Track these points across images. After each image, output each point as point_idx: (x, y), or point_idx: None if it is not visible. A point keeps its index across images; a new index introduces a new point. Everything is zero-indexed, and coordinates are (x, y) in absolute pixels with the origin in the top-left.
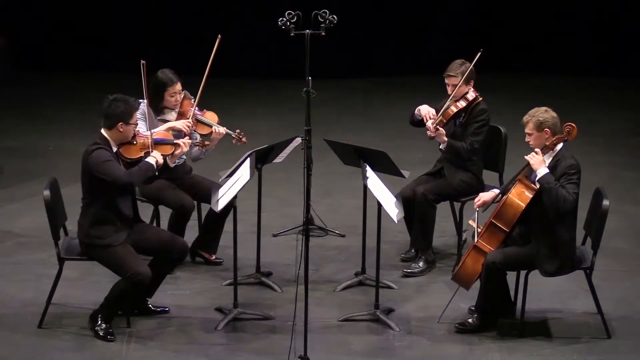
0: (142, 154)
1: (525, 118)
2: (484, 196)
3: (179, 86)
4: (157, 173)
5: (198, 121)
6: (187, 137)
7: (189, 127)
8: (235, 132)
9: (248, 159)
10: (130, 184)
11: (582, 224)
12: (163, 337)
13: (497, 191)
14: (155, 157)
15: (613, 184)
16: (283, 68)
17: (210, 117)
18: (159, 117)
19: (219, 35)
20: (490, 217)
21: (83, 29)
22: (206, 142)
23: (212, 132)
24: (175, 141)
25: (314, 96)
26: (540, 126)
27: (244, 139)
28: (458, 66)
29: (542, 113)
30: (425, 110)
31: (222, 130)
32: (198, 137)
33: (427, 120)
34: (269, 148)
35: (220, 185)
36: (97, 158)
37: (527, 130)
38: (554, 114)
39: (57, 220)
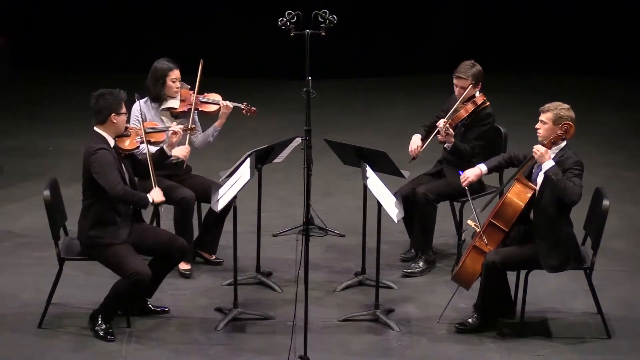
0: (138, 144)
1: (547, 106)
2: (468, 173)
3: (178, 72)
4: (151, 207)
5: (203, 102)
6: (175, 124)
7: (177, 132)
8: (243, 103)
9: (248, 159)
10: (120, 199)
11: (582, 224)
12: (163, 337)
13: (482, 167)
14: (153, 197)
15: (613, 184)
16: (283, 68)
17: (213, 96)
18: (162, 107)
19: (201, 60)
20: (489, 216)
21: (83, 29)
22: (192, 126)
23: (219, 109)
24: (168, 127)
25: (314, 96)
26: (558, 120)
27: (253, 109)
28: (469, 68)
29: (566, 110)
30: (413, 146)
31: (230, 104)
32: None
33: (414, 154)
34: (269, 148)
35: (220, 185)
36: (99, 160)
37: (543, 118)
38: (574, 116)
39: (57, 220)
